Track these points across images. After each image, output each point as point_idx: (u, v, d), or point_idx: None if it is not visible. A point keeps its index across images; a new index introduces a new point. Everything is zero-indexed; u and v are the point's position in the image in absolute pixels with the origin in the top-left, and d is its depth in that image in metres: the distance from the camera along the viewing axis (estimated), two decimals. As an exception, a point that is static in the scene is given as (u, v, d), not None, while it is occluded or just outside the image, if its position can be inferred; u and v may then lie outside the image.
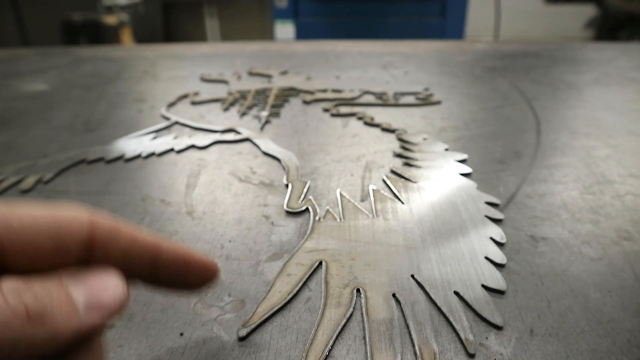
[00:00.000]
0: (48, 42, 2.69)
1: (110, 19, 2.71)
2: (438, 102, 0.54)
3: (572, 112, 0.51)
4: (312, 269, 0.27)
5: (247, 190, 0.36)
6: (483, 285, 0.26)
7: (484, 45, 0.83)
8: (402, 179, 0.37)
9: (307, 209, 0.33)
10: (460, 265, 0.27)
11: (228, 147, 0.44)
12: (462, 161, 0.40)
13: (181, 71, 0.71)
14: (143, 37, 2.86)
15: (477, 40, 0.80)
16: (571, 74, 0.65)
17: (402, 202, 0.34)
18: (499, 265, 0.28)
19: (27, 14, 2.79)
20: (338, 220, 0.32)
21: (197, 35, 3.14)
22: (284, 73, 0.66)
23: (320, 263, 0.28)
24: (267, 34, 2.81)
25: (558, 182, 0.37)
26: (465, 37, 2.21)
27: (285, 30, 2.20)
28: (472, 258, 0.28)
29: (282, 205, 0.34)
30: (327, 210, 0.33)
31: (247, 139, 0.45)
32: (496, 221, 0.32)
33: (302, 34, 2.15)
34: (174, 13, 3.17)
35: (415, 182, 0.36)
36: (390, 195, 0.35)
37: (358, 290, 0.26)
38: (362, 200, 0.34)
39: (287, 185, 0.37)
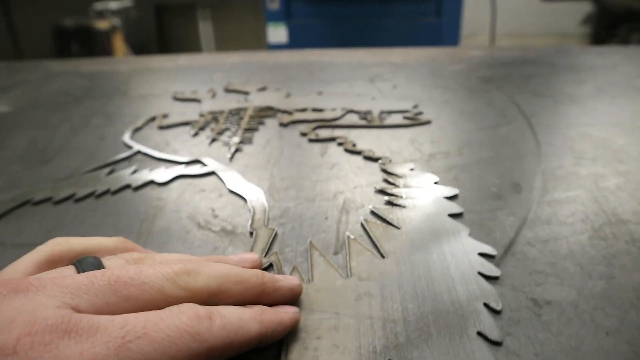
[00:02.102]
0: (40, 48, 2.65)
1: (102, 24, 2.67)
2: (428, 122, 0.49)
3: (575, 131, 0.46)
4: (270, 353, 0.23)
5: (205, 241, 0.32)
6: (475, 376, 0.21)
7: (479, 51, 0.78)
8: (384, 224, 0.32)
9: (271, 265, 0.29)
10: (448, 344, 0.23)
11: (191, 182, 0.39)
12: (453, 197, 0.35)
13: (154, 88, 0.66)
14: (136, 41, 2.83)
15: (473, 45, 0.75)
16: (573, 84, 0.61)
17: (382, 256, 0.29)
18: (494, 343, 0.23)
19: (18, 20, 2.75)
20: (305, 281, 0.27)
21: (190, 38, 3.10)
22: (262, 89, 0.61)
23: (280, 344, 0.23)
24: (261, 37, 2.77)
25: (563, 223, 0.32)
26: (461, 36, 2.17)
27: (277, 33, 2.15)
28: (462, 334, 0.23)
29: (243, 261, 0.29)
30: (294, 268, 0.28)
31: (212, 173, 0.40)
32: (492, 279, 0.27)
33: (295, 36, 2.11)
34: (166, 17, 3.13)
35: (398, 228, 0.31)
36: (368, 246, 0.30)
37: (323, 384, 0.21)
38: (336, 253, 0.30)
39: (251, 233, 0.32)
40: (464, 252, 0.29)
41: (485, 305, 0.25)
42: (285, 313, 0.23)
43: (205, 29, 3.11)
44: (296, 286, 0.25)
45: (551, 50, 0.80)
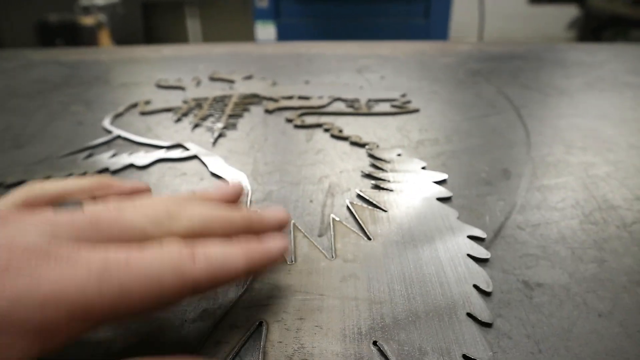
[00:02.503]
0: (23, 44, 2.61)
1: (88, 20, 2.63)
2: (416, 111, 0.48)
3: (565, 122, 0.46)
4: (250, 333, 0.21)
5: (184, 222, 0.30)
6: (465, 356, 0.20)
7: (468, 46, 0.78)
8: (370, 207, 0.31)
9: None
10: (436, 325, 0.22)
11: (172, 166, 0.38)
12: (442, 182, 0.34)
13: (137, 77, 0.64)
14: (122, 38, 2.79)
15: (462, 42, 0.74)
16: (561, 78, 0.60)
17: (369, 238, 0.28)
18: (484, 325, 0.22)
19: (1, 15, 2.70)
20: (288, 262, 0.26)
21: (178, 36, 3.07)
22: (248, 78, 0.60)
23: (261, 324, 0.22)
24: (249, 36, 2.75)
25: (554, 209, 0.31)
26: (449, 38, 2.17)
27: (266, 31, 2.14)
28: (451, 315, 0.22)
29: (224, 243, 0.28)
30: (277, 250, 0.27)
31: (194, 157, 0.39)
32: (481, 261, 0.26)
33: (284, 35, 2.10)
34: (154, 14, 3.10)
35: (385, 211, 0.30)
36: (354, 228, 0.29)
37: (305, 366, 0.20)
38: (320, 235, 0.29)
39: (232, 216, 0.31)
40: (453, 234, 0.28)
41: (475, 287, 0.24)
42: (273, 243, 0.22)
43: (193, 27, 3.08)
44: (283, 216, 0.24)
45: (539, 47, 0.79)
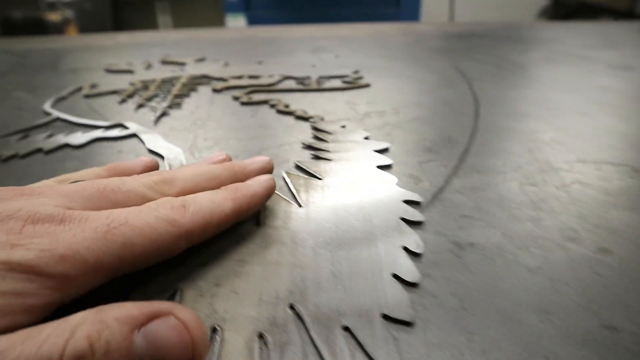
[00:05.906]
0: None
1: (54, 16, 2.57)
2: (367, 85, 0.47)
3: (516, 93, 0.45)
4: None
5: (112, 198, 0.29)
6: (384, 316, 0.19)
7: (430, 27, 0.77)
8: (306, 176, 0.30)
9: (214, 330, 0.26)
10: (359, 286, 0.21)
11: (109, 145, 0.37)
12: (384, 151, 0.34)
13: (87, 62, 0.62)
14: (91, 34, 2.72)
15: (425, 23, 0.74)
16: (517, 53, 0.60)
17: (300, 205, 0.27)
18: (410, 285, 0.21)
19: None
20: (213, 232, 0.25)
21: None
22: (201, 60, 0.58)
23: (175, 292, 0.21)
24: (221, 30, 2.71)
25: (495, 172, 0.31)
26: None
27: (236, 23, 2.12)
28: (375, 276, 0.21)
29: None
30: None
31: (133, 135, 0.38)
32: (415, 224, 0.25)
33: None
34: (124, 9, 3.04)
35: (320, 179, 0.29)
36: (286, 197, 0.28)
37: (215, 330, 0.19)
38: (252, 205, 0.27)
39: (163, 190, 0.29)
40: (389, 199, 0.27)
41: (405, 249, 0.23)
42: (259, 184, 0.25)
43: (164, 23, 3.04)
44: (266, 163, 0.28)
45: (500, 25, 0.79)
